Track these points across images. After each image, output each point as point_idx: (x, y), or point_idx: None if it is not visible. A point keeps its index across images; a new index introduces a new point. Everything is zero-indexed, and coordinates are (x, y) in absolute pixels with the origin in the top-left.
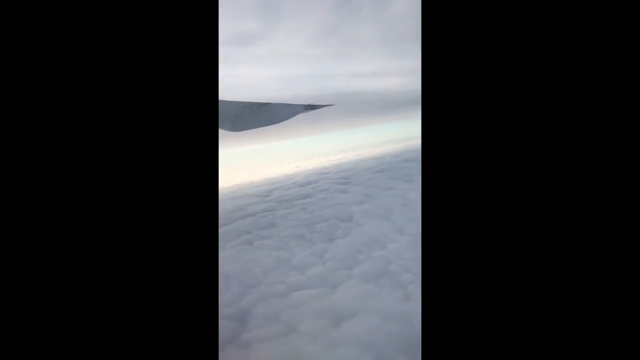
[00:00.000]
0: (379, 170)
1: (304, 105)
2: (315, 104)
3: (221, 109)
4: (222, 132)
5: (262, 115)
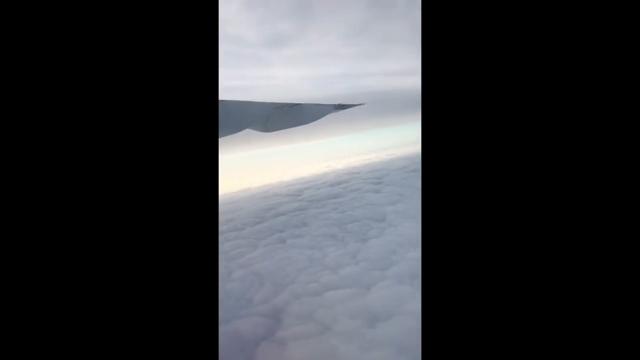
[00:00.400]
0: (412, 169)
1: (334, 105)
2: (346, 103)
3: (253, 111)
4: (254, 133)
5: (293, 115)
